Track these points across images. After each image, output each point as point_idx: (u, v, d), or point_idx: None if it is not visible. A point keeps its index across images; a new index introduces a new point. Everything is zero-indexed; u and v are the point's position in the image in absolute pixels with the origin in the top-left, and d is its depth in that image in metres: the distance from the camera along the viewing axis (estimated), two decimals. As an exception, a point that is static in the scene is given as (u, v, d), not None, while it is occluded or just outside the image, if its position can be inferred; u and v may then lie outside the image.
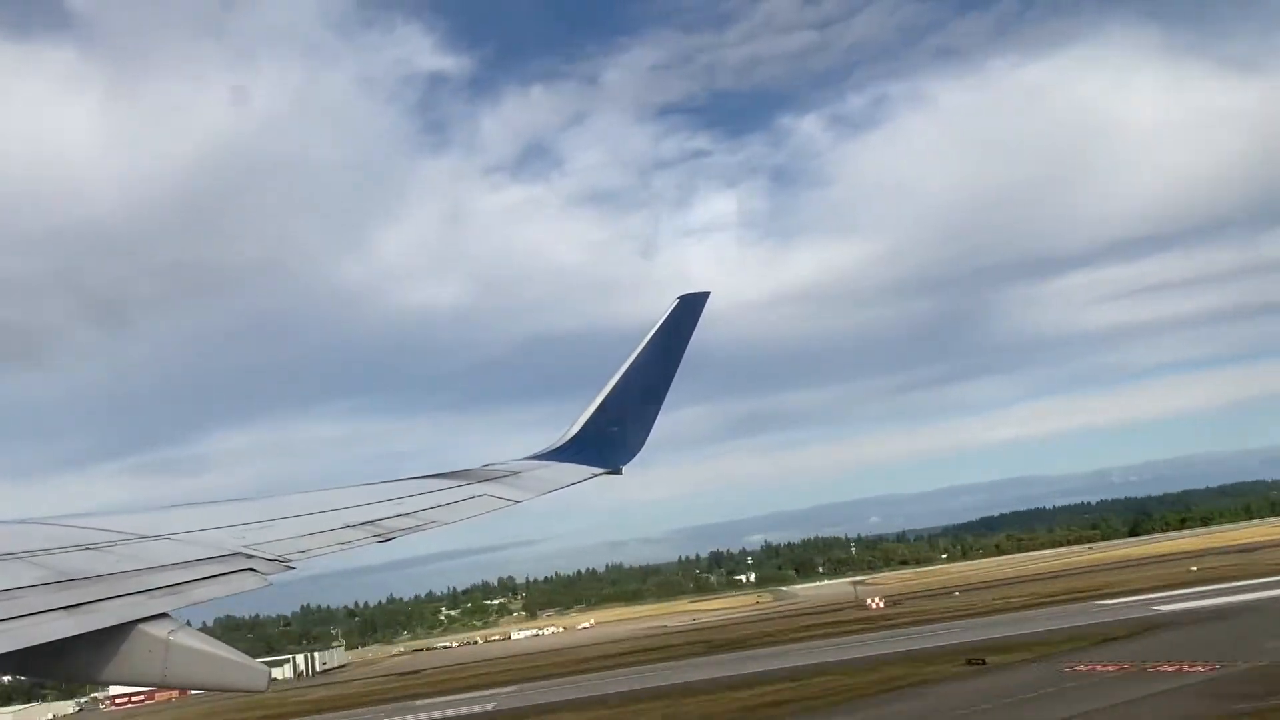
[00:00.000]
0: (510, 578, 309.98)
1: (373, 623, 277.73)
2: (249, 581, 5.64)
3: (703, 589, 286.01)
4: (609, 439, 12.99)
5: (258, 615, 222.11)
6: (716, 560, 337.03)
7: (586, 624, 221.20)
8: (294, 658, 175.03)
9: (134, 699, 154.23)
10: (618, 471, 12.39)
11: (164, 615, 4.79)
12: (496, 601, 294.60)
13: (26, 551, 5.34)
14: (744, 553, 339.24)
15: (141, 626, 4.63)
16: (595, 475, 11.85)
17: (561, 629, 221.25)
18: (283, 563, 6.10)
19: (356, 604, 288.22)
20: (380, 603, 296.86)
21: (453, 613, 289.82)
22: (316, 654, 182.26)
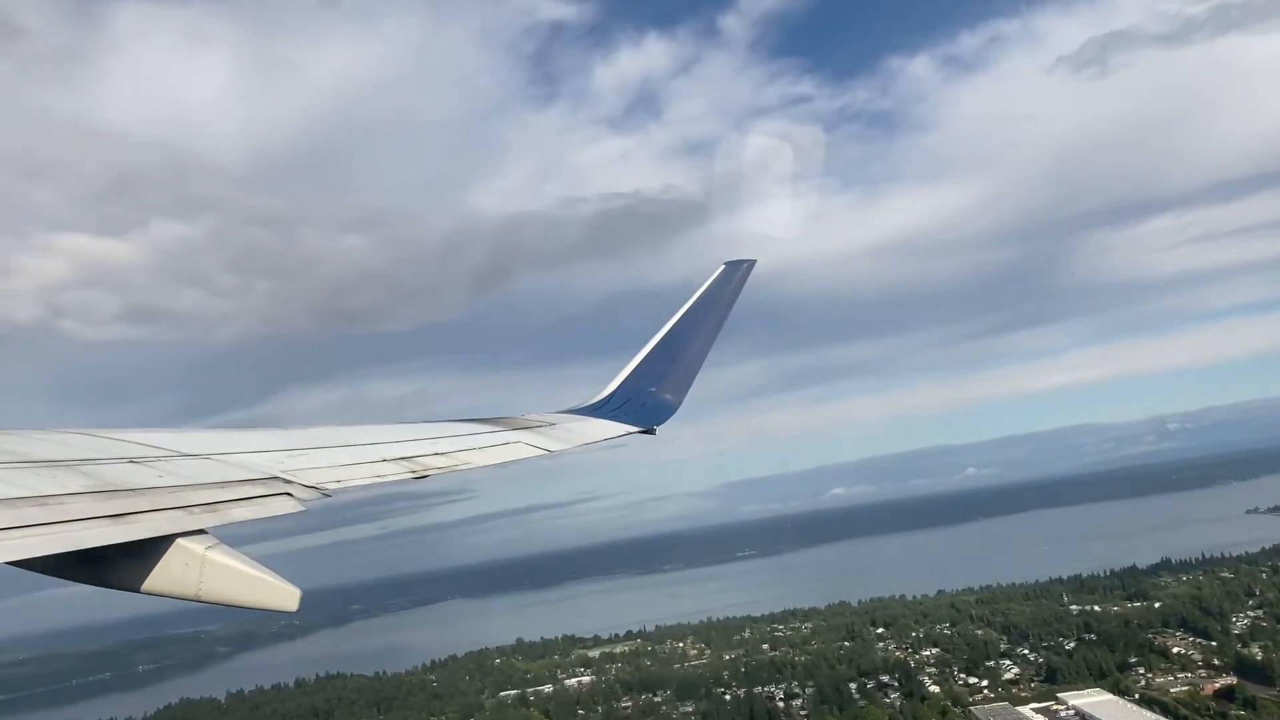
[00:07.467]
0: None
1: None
2: (285, 506, 5.74)
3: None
4: (645, 399, 12.98)
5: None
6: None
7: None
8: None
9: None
10: (652, 431, 12.39)
11: (201, 531, 4.89)
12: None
13: (73, 460, 5.47)
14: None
15: (180, 541, 4.74)
16: (629, 433, 11.87)
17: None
18: (319, 490, 6.19)
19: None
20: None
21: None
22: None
